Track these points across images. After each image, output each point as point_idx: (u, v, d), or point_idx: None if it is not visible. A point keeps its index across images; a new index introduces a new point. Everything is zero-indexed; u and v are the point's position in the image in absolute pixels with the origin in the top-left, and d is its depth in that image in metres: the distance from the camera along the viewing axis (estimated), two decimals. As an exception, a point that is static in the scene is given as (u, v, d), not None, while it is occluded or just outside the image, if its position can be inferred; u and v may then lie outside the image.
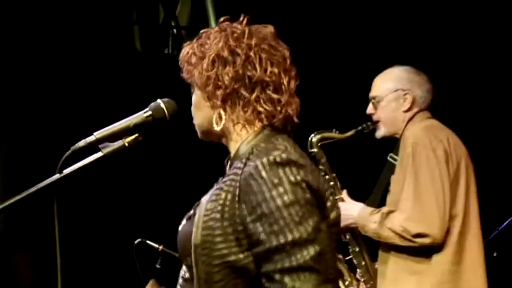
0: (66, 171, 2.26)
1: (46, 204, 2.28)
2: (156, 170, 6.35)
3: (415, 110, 3.97)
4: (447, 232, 3.75)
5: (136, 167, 6.02)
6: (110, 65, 6.38)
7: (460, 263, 3.80)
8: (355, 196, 4.04)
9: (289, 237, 1.99)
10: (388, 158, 4.05)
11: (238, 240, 2.05)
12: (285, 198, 2.01)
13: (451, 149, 3.82)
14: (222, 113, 2.19)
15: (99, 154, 2.27)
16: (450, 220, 3.76)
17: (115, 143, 2.28)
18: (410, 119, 3.96)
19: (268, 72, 2.16)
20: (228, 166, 2.22)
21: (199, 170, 4.36)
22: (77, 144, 2.28)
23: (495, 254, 4.62)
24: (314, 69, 5.42)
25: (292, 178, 2.03)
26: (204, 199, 2.14)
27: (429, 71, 4.09)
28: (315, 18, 6.13)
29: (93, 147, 2.28)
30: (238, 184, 2.06)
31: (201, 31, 2.25)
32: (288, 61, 2.20)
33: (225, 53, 2.17)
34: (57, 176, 2.25)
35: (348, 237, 4.09)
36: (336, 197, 3.96)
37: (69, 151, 2.26)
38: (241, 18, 2.24)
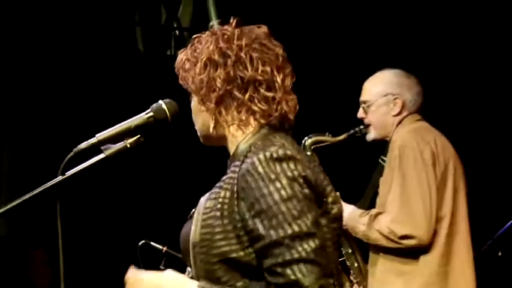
0: (69, 172, 2.27)
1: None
2: (159, 171, 6.34)
3: (404, 113, 3.97)
4: (434, 234, 3.76)
5: (141, 168, 6.01)
6: (112, 66, 6.37)
7: (448, 265, 3.81)
8: (348, 199, 4.04)
9: (289, 231, 1.99)
10: (379, 160, 4.06)
11: (239, 237, 2.05)
12: (283, 192, 2.01)
13: (438, 151, 3.83)
14: (217, 115, 2.18)
15: (101, 156, 2.28)
16: (437, 222, 3.77)
17: (117, 145, 2.29)
18: (400, 122, 3.97)
19: (259, 71, 2.15)
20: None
21: (203, 171, 4.35)
22: (79, 146, 2.29)
23: (500, 253, 4.61)
24: (307, 73, 5.40)
25: (289, 173, 2.03)
26: (203, 198, 2.15)
27: (420, 73, 4.10)
28: (313, 20, 6.14)
29: (95, 149, 2.29)
30: (236, 181, 2.06)
31: (193, 36, 2.24)
32: (281, 59, 2.19)
33: (216, 56, 2.17)
34: (60, 177, 2.26)
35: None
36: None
37: (72, 153, 2.27)
38: (231, 20, 2.24)
